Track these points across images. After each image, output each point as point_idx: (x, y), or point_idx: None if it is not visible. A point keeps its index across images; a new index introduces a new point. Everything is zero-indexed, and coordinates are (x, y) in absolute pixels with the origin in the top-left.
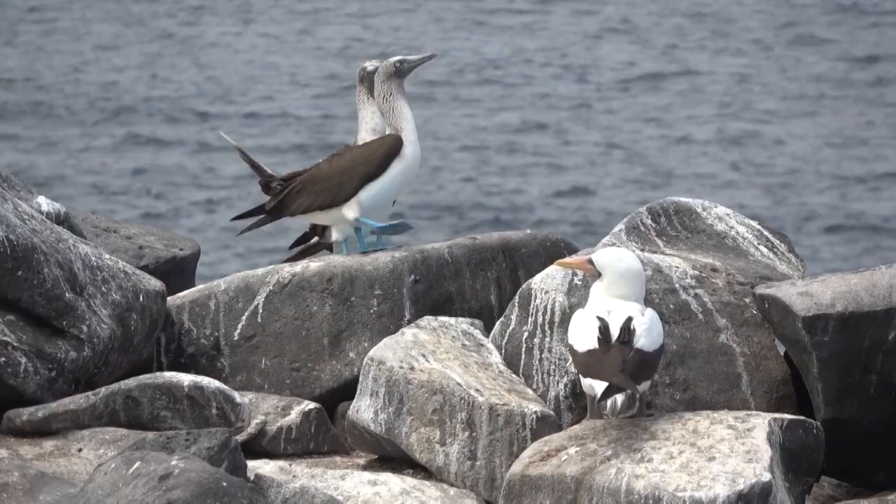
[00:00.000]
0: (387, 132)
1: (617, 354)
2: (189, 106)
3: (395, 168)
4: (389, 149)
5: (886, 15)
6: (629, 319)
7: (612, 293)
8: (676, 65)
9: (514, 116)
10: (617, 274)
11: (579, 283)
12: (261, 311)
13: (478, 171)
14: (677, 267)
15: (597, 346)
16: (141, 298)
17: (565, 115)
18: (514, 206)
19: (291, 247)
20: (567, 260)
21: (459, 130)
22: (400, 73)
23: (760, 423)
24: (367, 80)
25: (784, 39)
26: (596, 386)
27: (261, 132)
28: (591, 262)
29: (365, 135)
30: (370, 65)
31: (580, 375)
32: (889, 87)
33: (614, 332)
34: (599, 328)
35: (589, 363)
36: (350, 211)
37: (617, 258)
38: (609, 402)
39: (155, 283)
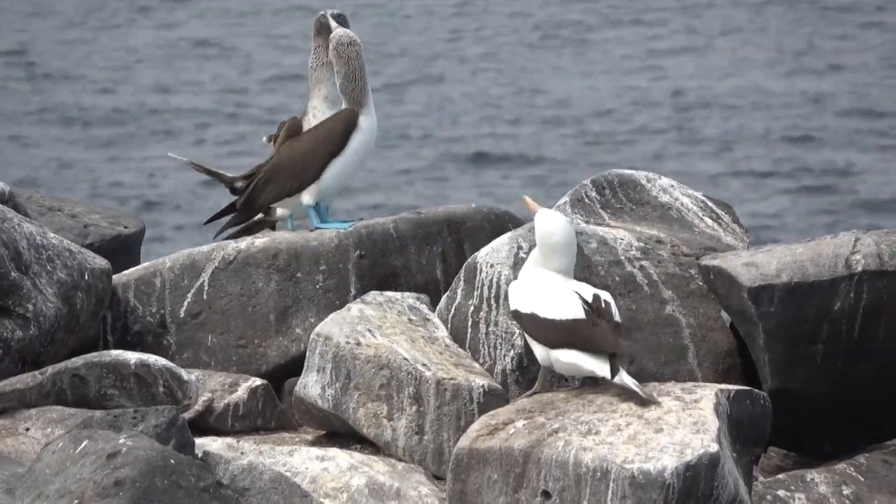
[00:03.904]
0: (342, 105)
1: (607, 327)
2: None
3: (356, 141)
4: (347, 124)
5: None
6: (598, 296)
7: (548, 266)
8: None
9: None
10: (560, 245)
11: (525, 256)
12: (206, 287)
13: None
14: (622, 239)
15: (584, 316)
16: (86, 277)
17: (510, 89)
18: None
19: (207, 222)
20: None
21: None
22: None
23: (707, 395)
24: (326, 32)
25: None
26: (591, 361)
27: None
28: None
29: (317, 102)
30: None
31: (551, 347)
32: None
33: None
34: (583, 300)
35: (577, 330)
36: (308, 196)
37: (555, 227)
38: (625, 379)
39: (100, 262)
